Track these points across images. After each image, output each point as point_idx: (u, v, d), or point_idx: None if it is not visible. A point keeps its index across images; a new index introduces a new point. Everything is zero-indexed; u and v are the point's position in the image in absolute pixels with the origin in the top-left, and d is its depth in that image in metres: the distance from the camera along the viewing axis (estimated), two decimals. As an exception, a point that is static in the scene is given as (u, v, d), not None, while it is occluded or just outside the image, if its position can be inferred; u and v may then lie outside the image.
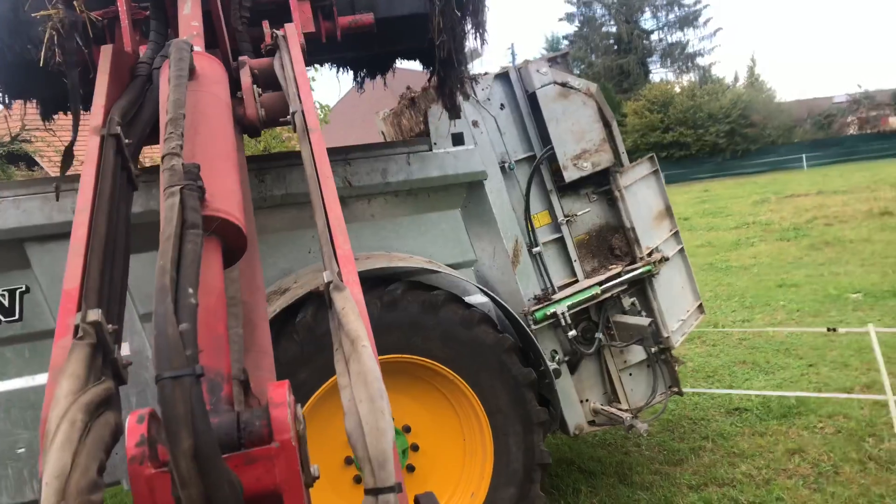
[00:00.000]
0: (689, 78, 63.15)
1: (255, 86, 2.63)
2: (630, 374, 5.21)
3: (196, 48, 2.44)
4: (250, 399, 1.74)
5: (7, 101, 4.13)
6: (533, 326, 4.65)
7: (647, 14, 66.83)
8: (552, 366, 4.69)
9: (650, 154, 5.67)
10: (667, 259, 5.20)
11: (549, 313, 4.78)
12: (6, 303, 4.02)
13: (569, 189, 5.07)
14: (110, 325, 1.49)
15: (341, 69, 5.02)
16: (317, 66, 5.07)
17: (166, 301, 1.33)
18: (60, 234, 4.01)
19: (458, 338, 4.30)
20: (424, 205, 4.82)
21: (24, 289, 4.04)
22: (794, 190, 28.81)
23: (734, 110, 49.08)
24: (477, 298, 4.76)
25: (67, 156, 3.26)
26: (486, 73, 4.93)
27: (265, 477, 1.28)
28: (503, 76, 4.98)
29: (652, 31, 67.10)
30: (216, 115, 2.25)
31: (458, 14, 3.89)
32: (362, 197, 4.65)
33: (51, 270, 4.03)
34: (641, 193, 5.33)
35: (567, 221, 5.05)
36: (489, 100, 4.93)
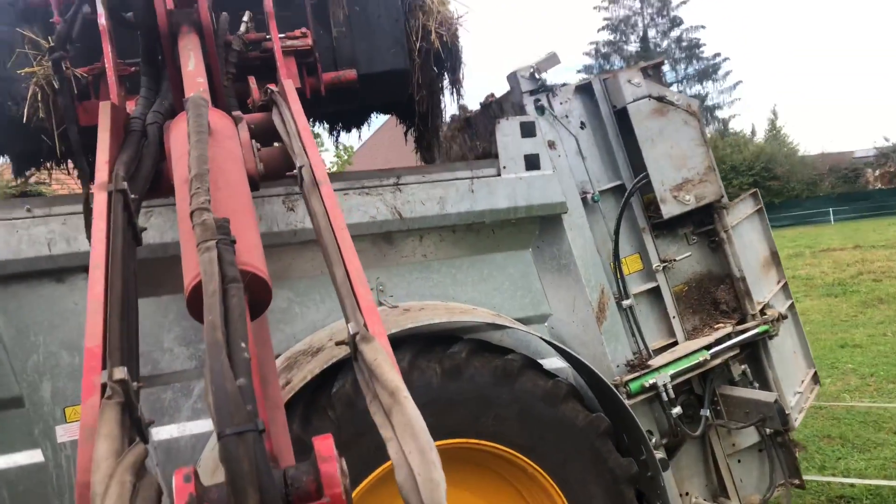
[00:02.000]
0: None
1: (253, 141, 2.63)
2: (739, 461, 4.17)
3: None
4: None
5: None
6: (628, 402, 3.63)
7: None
8: (658, 454, 3.65)
9: (753, 189, 4.71)
10: (785, 317, 4.20)
11: (647, 384, 3.78)
12: (-43, 361, 3.08)
13: (665, 228, 4.12)
14: (135, 383, 1.51)
15: (318, 123, 5.08)
16: None
17: (221, 357, 1.32)
18: (30, 272, 3.10)
19: (540, 417, 3.30)
20: (488, 243, 3.88)
21: (-20, 343, 3.11)
22: (828, 244, 27.76)
23: (757, 163, 48.47)
24: (552, 363, 3.78)
25: (87, 213, 2.89)
26: (564, 84, 4.04)
27: None
28: (585, 88, 4.09)
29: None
30: (234, 169, 2.30)
31: (436, 70, 4.15)
32: (413, 232, 3.72)
33: (17, 320, 3.12)
34: (747, 236, 4.38)
35: (664, 268, 4.08)
36: (567, 117, 4.02)
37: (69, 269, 3.14)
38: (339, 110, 4.73)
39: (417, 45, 3.96)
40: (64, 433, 3.16)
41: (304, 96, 3.53)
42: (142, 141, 2.65)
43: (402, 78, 4.01)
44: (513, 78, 3.97)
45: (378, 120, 5.24)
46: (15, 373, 3.11)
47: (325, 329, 3.52)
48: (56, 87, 3.17)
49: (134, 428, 1.43)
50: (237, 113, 2.82)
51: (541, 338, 3.47)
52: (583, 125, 4.08)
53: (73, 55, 3.23)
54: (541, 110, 3.93)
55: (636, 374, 3.81)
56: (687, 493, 4.05)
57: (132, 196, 2.22)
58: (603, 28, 65.49)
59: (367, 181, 3.58)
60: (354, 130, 5.31)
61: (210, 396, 1.23)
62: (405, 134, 5.09)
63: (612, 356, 3.93)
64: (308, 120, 5.07)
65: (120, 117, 2.69)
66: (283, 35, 3.52)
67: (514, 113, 3.98)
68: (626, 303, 3.98)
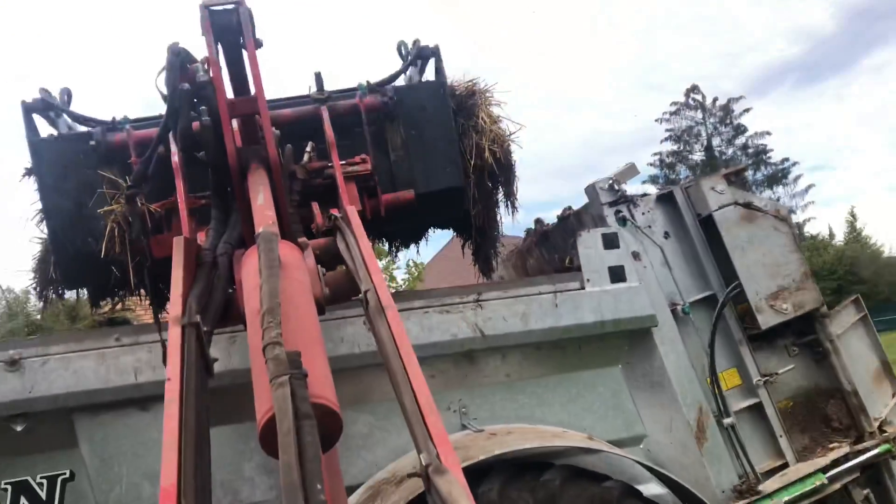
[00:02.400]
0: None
1: (318, 266, 2.66)
2: None
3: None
4: None
5: (62, 293, 4.37)
6: (741, 533, 3.29)
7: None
8: None
9: (854, 296, 4.43)
10: (907, 434, 3.82)
11: (758, 512, 3.43)
12: (44, 494, 3.06)
13: (763, 340, 3.88)
14: None
15: (377, 241, 5.13)
16: None
17: (298, 500, 1.33)
18: (117, 401, 3.10)
19: (644, 552, 3.01)
20: (575, 361, 3.72)
21: (66, 475, 3.09)
22: (929, 348, 25.93)
23: (840, 266, 46.66)
24: (650, 489, 3.49)
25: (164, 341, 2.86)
26: (645, 195, 3.96)
27: None
28: (667, 197, 4.00)
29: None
30: (303, 301, 2.31)
31: (491, 185, 4.25)
32: (495, 351, 3.60)
33: (102, 450, 3.10)
34: (854, 345, 4.08)
35: (765, 382, 3.80)
36: (651, 227, 3.92)
37: (154, 397, 3.12)
38: (396, 228, 4.82)
39: (472, 163, 4.06)
40: None
41: (365, 217, 3.61)
42: (212, 272, 2.70)
43: (457, 194, 4.09)
44: (591, 190, 3.93)
45: (445, 235, 5.29)
46: (97, 504, 3.06)
47: (409, 455, 3.36)
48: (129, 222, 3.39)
49: None
50: (303, 239, 2.89)
51: (639, 462, 3.22)
52: (667, 235, 3.97)
53: (147, 192, 3.44)
54: (622, 221, 3.85)
55: (746, 502, 3.48)
56: None
57: (204, 328, 2.25)
58: (666, 139, 66.12)
59: (447, 299, 3.52)
60: (422, 247, 5.38)
61: None
62: (462, 247, 5.13)
63: (717, 480, 3.62)
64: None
65: (192, 250, 2.76)
66: (344, 162, 3.67)
67: (594, 225, 3.90)
68: (727, 421, 3.70)
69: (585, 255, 3.71)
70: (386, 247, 5.40)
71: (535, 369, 3.68)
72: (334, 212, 3.15)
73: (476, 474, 3.06)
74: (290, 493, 1.34)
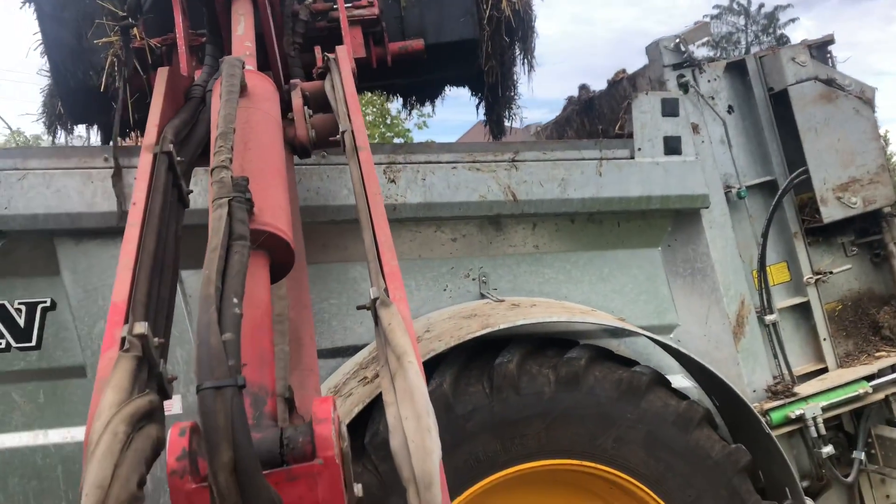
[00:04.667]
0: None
1: (305, 107, 2.65)
2: (892, 516, 3.50)
3: (248, 67, 2.45)
4: (294, 418, 1.76)
5: (70, 127, 4.27)
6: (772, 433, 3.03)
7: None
8: (810, 501, 3.04)
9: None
10: (961, 350, 3.51)
11: (792, 415, 3.18)
12: (21, 321, 2.80)
13: (821, 235, 3.50)
14: (157, 339, 1.48)
15: (391, 96, 5.02)
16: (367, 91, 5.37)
17: (210, 310, 1.30)
18: (103, 229, 2.77)
19: (670, 444, 2.77)
20: (611, 238, 3.37)
21: (47, 303, 2.81)
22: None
23: None
24: (679, 381, 3.23)
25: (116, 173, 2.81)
26: (713, 59, 3.48)
27: (308, 495, 1.25)
28: (737, 66, 3.53)
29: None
30: (266, 131, 2.31)
31: (507, 40, 3.98)
32: (526, 218, 3.24)
33: (86, 281, 2.81)
34: (918, 251, 3.68)
35: (816, 281, 3.46)
36: (714, 98, 3.46)
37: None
38: (411, 83, 4.64)
39: (487, 14, 3.78)
40: None
41: (371, 66, 3.49)
42: (199, 107, 2.64)
43: (471, 48, 3.83)
44: (654, 49, 3.45)
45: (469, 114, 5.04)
46: (80, 339, 2.80)
47: (420, 320, 3.09)
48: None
49: (153, 382, 1.41)
50: (294, 80, 2.83)
51: (676, 348, 2.92)
52: (731, 109, 3.51)
53: (143, 24, 3.28)
54: (685, 87, 3.39)
55: (779, 403, 3.21)
56: (826, 549, 3.41)
57: (179, 159, 2.21)
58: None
59: (479, 155, 3.13)
60: (452, 113, 5.07)
61: (194, 349, 1.21)
62: (476, 107, 4.83)
63: (749, 379, 3.35)
64: (380, 92, 4.90)
65: (179, 83, 2.71)
66: (349, 4, 3.42)
67: (651, 89, 3.45)
68: (769, 318, 3.39)
69: (640, 120, 3.28)
70: (400, 103, 5.13)
71: (567, 243, 3.34)
72: (330, 54, 2.93)
73: (495, 345, 2.79)
74: (205, 304, 1.31)
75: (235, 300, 1.36)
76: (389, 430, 1.37)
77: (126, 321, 1.55)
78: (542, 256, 3.31)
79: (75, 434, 2.84)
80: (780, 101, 3.45)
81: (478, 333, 2.64)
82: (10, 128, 17.32)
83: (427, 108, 5.20)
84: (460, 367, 2.72)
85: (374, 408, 2.60)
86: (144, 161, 2.14)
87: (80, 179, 2.74)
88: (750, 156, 3.51)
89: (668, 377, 3.10)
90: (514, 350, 2.76)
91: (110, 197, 2.76)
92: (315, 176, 3.00)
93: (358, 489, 1.37)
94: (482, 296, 3.22)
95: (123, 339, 1.42)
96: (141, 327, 1.43)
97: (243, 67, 2.31)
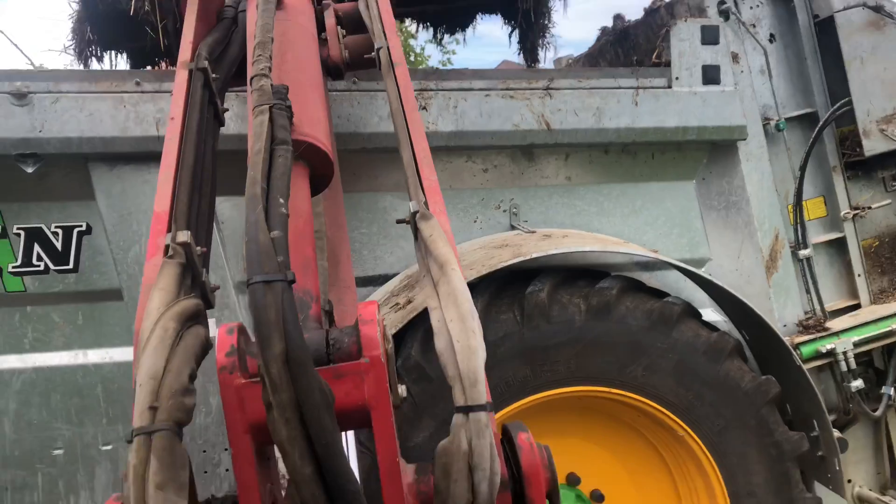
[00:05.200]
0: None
1: (339, 27, 2.64)
2: (918, 452, 3.51)
3: None
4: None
5: (99, 53, 4.20)
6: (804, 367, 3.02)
7: None
8: (837, 433, 3.05)
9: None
10: None
11: (823, 350, 3.17)
12: (59, 244, 2.84)
13: (861, 169, 3.42)
14: (199, 248, 1.52)
15: (422, 24, 4.92)
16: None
17: (257, 209, 1.30)
18: (136, 154, 2.78)
19: (700, 374, 2.78)
20: (645, 170, 3.32)
21: (83, 228, 2.85)
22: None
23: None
24: (710, 314, 3.22)
25: None
26: (756, -17, 3.35)
27: (354, 392, 1.26)
28: (781, -8, 3.38)
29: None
30: (303, 44, 2.36)
31: None
32: (559, 148, 3.20)
33: (120, 206, 2.83)
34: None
35: (854, 216, 3.39)
36: (755, 26, 3.35)
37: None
38: (442, 11, 4.57)
39: None
40: None
41: None
42: (231, 27, 2.62)
43: None
44: (694, -26, 3.32)
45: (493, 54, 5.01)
46: (116, 262, 2.84)
47: (452, 249, 3.08)
48: None
49: (196, 289, 1.44)
50: (326, 1, 2.79)
51: (709, 280, 2.90)
52: (772, 38, 3.40)
53: None
54: (725, 15, 3.28)
55: (810, 337, 3.20)
56: (850, 481, 3.43)
57: (214, 76, 2.22)
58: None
59: (513, 82, 3.07)
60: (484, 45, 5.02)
61: (244, 247, 1.22)
62: (509, 36, 4.77)
63: (780, 314, 3.33)
64: (410, 19, 4.79)
65: (212, 5, 2.67)
66: None
67: (690, 16, 3.33)
68: (803, 252, 3.34)
69: (678, 48, 3.19)
70: (431, 32, 5.08)
71: (600, 175, 3.29)
72: None
73: (526, 275, 2.79)
74: (251, 203, 1.31)
75: (281, 200, 1.37)
76: (434, 332, 1.38)
77: (168, 230, 1.57)
78: (574, 188, 3.28)
79: (113, 354, 2.91)
80: (825, 30, 3.33)
81: (510, 262, 2.63)
82: (32, 64, 17.33)
83: (453, 44, 5.15)
84: (491, 295, 2.73)
85: (406, 333, 2.62)
86: (180, 77, 2.13)
87: (112, 103, 2.73)
88: (791, 86, 3.40)
89: (700, 310, 3.10)
90: (546, 279, 2.76)
91: (143, 122, 2.76)
92: (346, 102, 2.97)
93: (402, 390, 1.40)
94: (512, 227, 3.21)
95: (167, 247, 1.46)
96: (184, 235, 1.47)
97: None
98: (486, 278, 2.68)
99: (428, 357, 2.59)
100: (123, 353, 2.90)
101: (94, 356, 2.90)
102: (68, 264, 2.85)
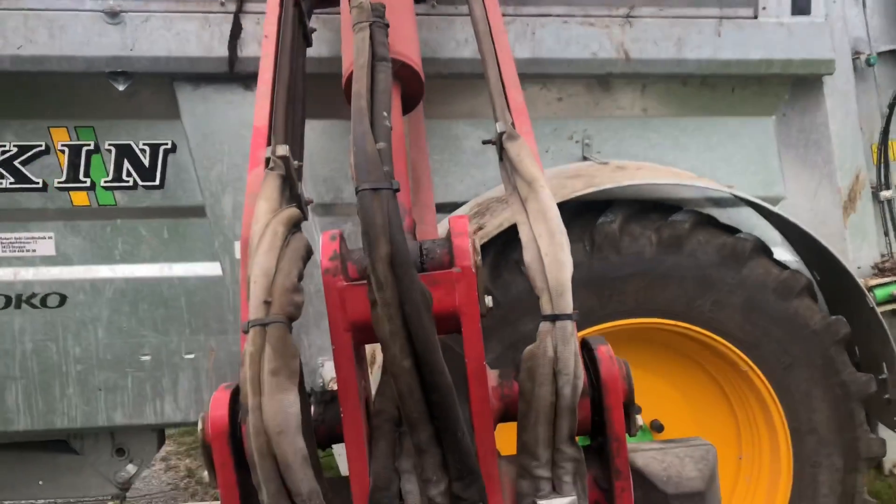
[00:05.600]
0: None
1: None
2: None
3: None
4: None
5: None
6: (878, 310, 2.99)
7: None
8: (904, 377, 3.03)
9: None
10: None
11: (897, 294, 3.11)
12: (146, 161, 2.97)
13: (953, 108, 3.27)
14: (295, 161, 1.57)
15: None
16: None
17: (364, 121, 1.35)
18: (220, 75, 2.85)
19: (769, 311, 2.77)
20: (724, 105, 3.24)
21: (168, 145, 2.96)
22: None
23: None
24: (782, 254, 3.18)
25: (236, 23, 2.84)
26: None
27: (445, 299, 1.32)
28: (883, -85, 3.19)
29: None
30: None
31: None
32: (636, 80, 3.15)
33: (204, 126, 2.93)
34: None
35: (942, 158, 3.27)
36: (851, -46, 3.18)
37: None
38: None
39: None
40: None
41: None
42: None
43: None
44: None
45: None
46: (199, 180, 2.96)
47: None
48: None
49: (293, 201, 1.51)
50: None
51: (783, 217, 2.86)
52: (868, -34, 3.23)
53: None
54: (819, -60, 3.12)
55: (885, 280, 3.15)
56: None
57: None
58: None
59: (592, 9, 3.02)
60: None
61: (351, 157, 1.27)
62: None
63: (855, 255, 3.27)
64: None
65: None
66: None
67: (783, -58, 3.19)
68: (885, 194, 3.26)
69: (766, -27, 3.07)
70: None
71: (677, 108, 3.24)
72: None
73: (597, 206, 2.80)
74: (358, 116, 1.36)
75: (385, 114, 1.42)
76: (523, 245, 1.43)
77: (268, 143, 1.64)
78: (649, 120, 3.24)
79: (197, 269, 3.06)
80: (928, -43, 3.15)
81: (582, 192, 2.65)
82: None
83: None
84: (562, 224, 2.75)
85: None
86: None
87: (199, 23, 2.80)
88: (885, 18, 3.25)
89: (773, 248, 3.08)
90: (617, 211, 2.77)
91: (226, 40, 2.82)
92: (424, 27, 2.96)
93: (489, 300, 1.45)
94: (585, 159, 3.20)
95: (268, 159, 1.53)
96: (283, 149, 1.53)
97: None
98: (558, 207, 2.69)
99: (498, 284, 2.66)
100: (205, 268, 3.05)
101: (179, 270, 3.06)
102: (155, 181, 2.98)
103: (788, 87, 3.22)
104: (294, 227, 1.36)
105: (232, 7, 2.81)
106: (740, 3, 3.08)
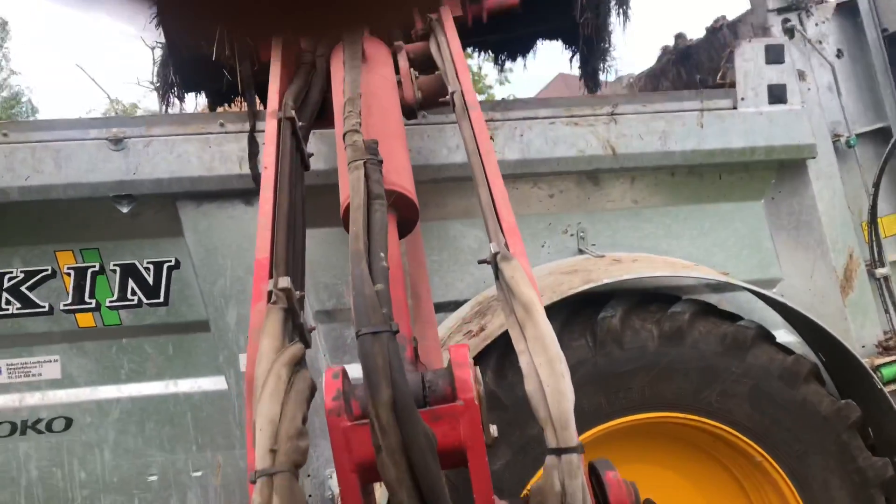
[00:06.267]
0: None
1: (411, 69, 2.72)
2: None
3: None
4: (418, 365, 1.80)
5: (182, 95, 4.49)
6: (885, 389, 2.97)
7: None
8: (922, 458, 2.98)
9: None
10: None
11: (905, 371, 3.09)
12: (150, 279, 3.02)
13: (937, 183, 3.34)
14: (298, 292, 1.61)
15: (482, 52, 5.00)
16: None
17: (362, 264, 1.41)
18: (221, 191, 2.94)
19: (776, 399, 2.75)
20: (712, 191, 3.32)
21: (172, 262, 3.02)
22: None
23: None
24: (784, 336, 3.18)
25: (252, 142, 2.94)
26: (822, 2, 3.33)
27: (450, 434, 1.32)
28: (847, 7, 3.36)
29: None
30: (386, 95, 2.47)
31: None
32: (625, 173, 3.24)
33: (207, 241, 2.99)
34: None
35: (932, 232, 3.32)
36: (822, 42, 3.32)
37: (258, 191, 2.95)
38: (501, 39, 4.65)
39: None
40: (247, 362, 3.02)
41: (466, 24, 3.44)
42: (311, 73, 2.74)
43: (566, 1, 3.83)
44: (758, -7, 3.33)
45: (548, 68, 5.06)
46: (203, 295, 3.00)
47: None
48: None
49: (296, 332, 1.54)
50: (398, 43, 2.85)
51: (781, 301, 2.88)
52: (840, 53, 3.37)
53: None
54: (790, 33, 3.27)
55: (891, 358, 3.14)
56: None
57: (300, 123, 2.34)
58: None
59: (577, 109, 3.13)
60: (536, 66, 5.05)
61: (350, 300, 1.30)
62: (570, 60, 4.77)
63: (858, 334, 3.27)
64: (472, 49, 5.03)
65: (292, 51, 2.79)
66: None
67: (755, 36, 3.33)
68: (880, 271, 3.28)
69: (743, 69, 3.19)
70: (491, 59, 5.12)
71: (667, 197, 3.31)
72: (432, 15, 2.96)
73: (596, 300, 2.83)
74: (356, 258, 1.42)
75: (382, 255, 1.48)
76: (524, 375, 1.45)
77: (270, 276, 1.68)
78: (641, 211, 3.30)
79: (202, 384, 3.07)
80: (895, 43, 3.28)
81: (581, 289, 2.68)
82: (109, 97, 18.19)
83: (512, 64, 5.14)
84: (563, 322, 2.77)
85: (480, 361, 2.68)
86: (271, 127, 2.27)
87: (199, 145, 2.90)
88: (860, 102, 3.36)
89: (773, 331, 3.08)
90: (617, 305, 2.79)
91: (227, 160, 2.92)
92: (416, 136, 3.07)
93: (493, 430, 1.46)
94: (580, 251, 3.25)
95: (270, 293, 1.56)
96: (285, 282, 1.57)
97: (362, 35, 2.40)
98: (557, 304, 2.72)
99: (503, 385, 2.65)
100: (211, 382, 3.05)
101: (184, 385, 3.06)
102: (159, 298, 3.02)
103: (774, 172, 3.30)
104: (297, 364, 1.39)
105: (232, 128, 2.92)
106: (719, 96, 3.20)
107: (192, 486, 3.02)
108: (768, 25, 3.30)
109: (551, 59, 5.20)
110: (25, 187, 2.81)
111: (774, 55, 3.19)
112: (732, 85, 3.22)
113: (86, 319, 2.99)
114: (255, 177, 2.90)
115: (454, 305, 3.20)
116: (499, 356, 2.71)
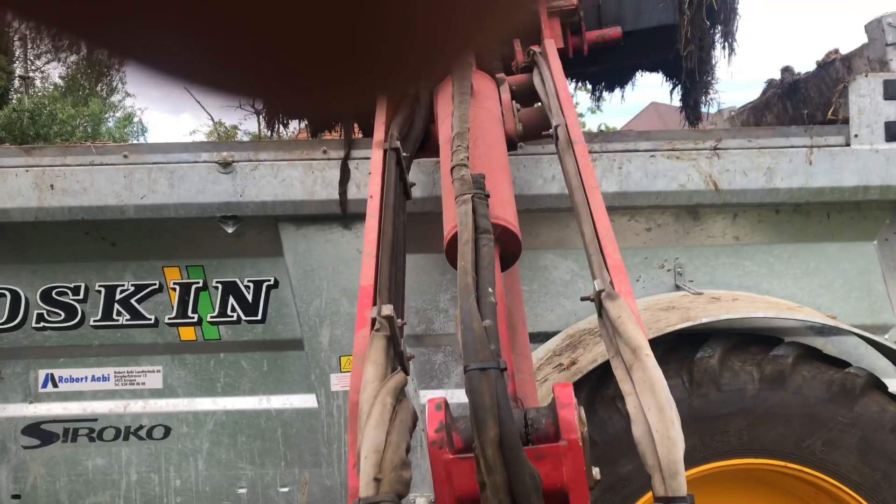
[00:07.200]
0: None
1: (513, 101, 2.72)
2: None
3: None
4: (517, 401, 1.74)
5: (286, 122, 4.78)
6: None
7: None
8: None
9: None
10: None
11: None
12: (249, 297, 3.13)
13: None
14: (400, 320, 1.66)
15: (579, 83, 4.97)
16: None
17: (470, 299, 1.41)
18: (321, 215, 3.03)
19: (888, 453, 2.59)
20: (820, 230, 3.17)
21: (271, 282, 3.12)
22: None
23: None
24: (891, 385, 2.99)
25: (344, 169, 3.02)
26: (947, 33, 3.16)
27: (553, 474, 1.30)
28: (976, 39, 3.16)
29: None
30: (492, 129, 2.49)
31: (708, 23, 3.90)
32: (726, 209, 3.14)
33: (305, 262, 3.08)
34: None
35: None
36: (946, 77, 3.14)
37: (357, 215, 3.02)
38: (601, 70, 4.63)
39: None
40: (338, 382, 3.08)
41: (567, 56, 3.47)
42: (414, 104, 2.80)
43: (669, 33, 3.83)
44: (875, 27, 3.18)
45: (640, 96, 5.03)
46: (299, 315, 3.08)
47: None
48: None
49: (396, 359, 1.56)
50: (500, 75, 2.89)
51: (894, 349, 2.72)
52: (966, 88, 3.17)
53: None
54: (911, 67, 3.11)
55: None
56: None
57: (404, 154, 2.40)
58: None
59: (679, 143, 3.07)
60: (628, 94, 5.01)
61: (459, 335, 1.31)
62: (671, 92, 4.74)
63: (980, 388, 3.03)
64: (570, 80, 5.03)
65: None
66: None
67: (871, 70, 3.19)
68: None
69: (858, 104, 3.05)
70: (588, 90, 5.11)
71: (770, 235, 3.19)
72: (535, 48, 3.01)
73: (693, 339, 2.74)
74: (464, 293, 1.43)
75: (490, 290, 1.49)
76: (631, 418, 1.42)
77: (374, 303, 1.72)
78: (742, 248, 3.19)
79: (293, 401, 3.14)
80: None
81: (678, 327, 2.61)
82: (212, 119, 19.15)
83: (609, 94, 5.10)
84: (657, 359, 2.69)
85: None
86: (376, 157, 2.35)
87: (302, 170, 3.00)
88: None
89: (886, 380, 2.91)
90: (715, 345, 2.69)
91: (328, 185, 3.00)
92: (512, 166, 3.06)
93: (596, 472, 1.43)
94: (677, 287, 3.17)
95: (374, 320, 1.59)
96: (388, 309, 1.60)
97: (471, 69, 2.45)
98: (652, 341, 2.65)
99: (593, 421, 2.59)
100: (302, 400, 3.12)
101: (276, 402, 3.14)
102: (257, 315, 3.13)
103: (890, 212, 3.13)
104: (401, 393, 1.41)
105: (334, 155, 3.01)
106: (831, 132, 3.07)
107: (279, 501, 3.09)
108: (887, 59, 3.15)
109: (644, 88, 5.21)
110: (141, 205, 2.97)
111: (893, 90, 3.04)
112: (845, 121, 3.08)
113: (188, 333, 3.12)
114: (343, 203, 2.99)
115: (543, 337, 3.17)
116: (589, 391, 2.67)
